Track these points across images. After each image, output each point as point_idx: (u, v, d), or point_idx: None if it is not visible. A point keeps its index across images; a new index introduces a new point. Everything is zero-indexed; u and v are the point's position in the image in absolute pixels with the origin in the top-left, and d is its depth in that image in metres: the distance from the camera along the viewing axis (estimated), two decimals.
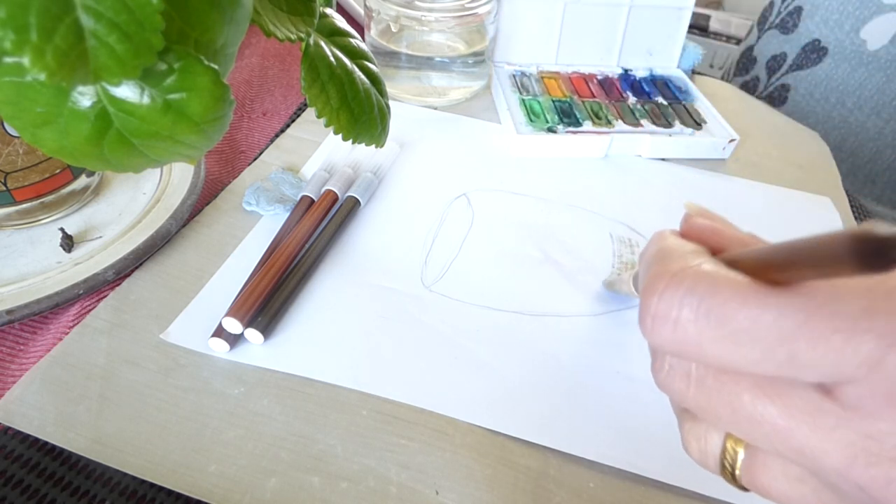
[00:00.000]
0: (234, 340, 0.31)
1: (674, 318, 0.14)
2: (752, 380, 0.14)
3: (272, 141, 0.48)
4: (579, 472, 0.28)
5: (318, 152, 0.46)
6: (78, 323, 0.32)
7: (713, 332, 0.13)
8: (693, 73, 0.62)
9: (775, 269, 0.13)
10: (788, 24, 0.79)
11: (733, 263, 0.14)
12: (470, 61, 0.53)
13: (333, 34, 0.30)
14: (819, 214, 0.47)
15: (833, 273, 0.12)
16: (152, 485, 0.26)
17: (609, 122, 0.51)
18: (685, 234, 0.18)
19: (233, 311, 0.31)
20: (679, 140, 0.50)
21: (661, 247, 0.16)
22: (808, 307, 0.13)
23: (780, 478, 0.15)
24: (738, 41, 1.29)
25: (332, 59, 0.28)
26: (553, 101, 0.53)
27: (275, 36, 0.24)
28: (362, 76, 0.30)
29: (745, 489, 0.16)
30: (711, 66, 1.28)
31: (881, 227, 0.10)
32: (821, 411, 0.13)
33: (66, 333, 0.32)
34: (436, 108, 0.53)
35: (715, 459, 0.16)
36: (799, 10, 0.78)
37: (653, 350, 0.16)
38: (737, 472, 0.16)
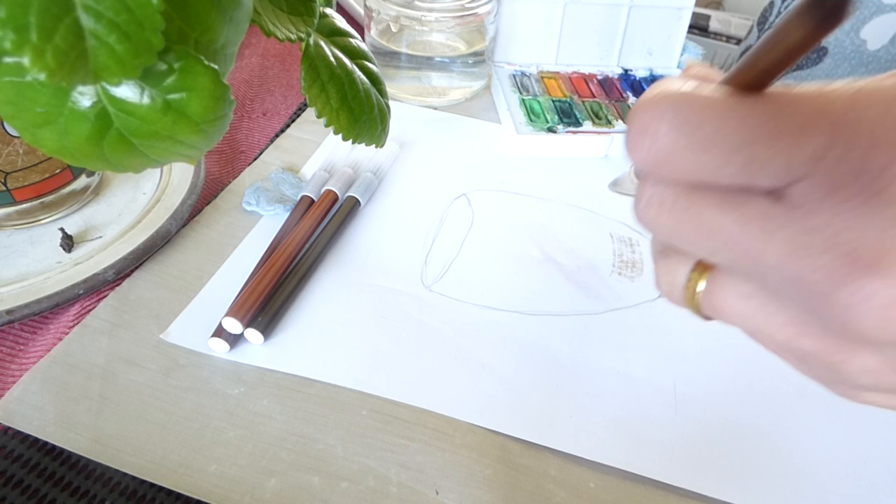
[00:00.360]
0: (234, 340, 0.31)
1: (653, 131, 0.15)
2: (716, 195, 0.15)
3: (272, 141, 0.48)
4: (579, 472, 0.28)
5: (318, 152, 0.46)
6: (78, 323, 0.32)
7: (685, 140, 0.14)
8: None
9: (753, 73, 0.14)
10: None
11: (725, 83, 0.15)
12: (470, 61, 0.53)
13: (333, 34, 0.30)
14: None
15: (793, 48, 0.13)
16: (152, 485, 0.26)
17: (609, 122, 0.51)
18: None
19: (233, 311, 0.31)
20: None
21: (656, 84, 0.17)
22: (768, 112, 0.13)
23: (732, 297, 0.16)
24: (738, 41, 1.29)
25: (332, 59, 0.28)
26: (553, 101, 0.53)
27: (275, 36, 0.24)
28: (362, 76, 0.30)
29: (705, 318, 0.18)
30: (711, 66, 1.28)
31: None
32: (769, 216, 0.14)
33: (66, 333, 0.32)
34: (436, 108, 0.53)
35: (680, 289, 0.18)
36: None
37: (639, 178, 0.18)
38: (697, 297, 0.17)
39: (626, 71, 0.59)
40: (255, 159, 0.45)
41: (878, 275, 0.13)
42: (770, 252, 0.14)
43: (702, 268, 0.17)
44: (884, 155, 0.13)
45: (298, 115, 0.51)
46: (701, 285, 0.17)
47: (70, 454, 0.27)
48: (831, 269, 0.13)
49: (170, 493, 0.26)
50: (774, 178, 0.14)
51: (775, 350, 0.17)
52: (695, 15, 0.67)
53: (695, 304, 0.18)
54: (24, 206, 0.36)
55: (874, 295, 0.13)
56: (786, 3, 0.80)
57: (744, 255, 0.15)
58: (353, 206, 0.40)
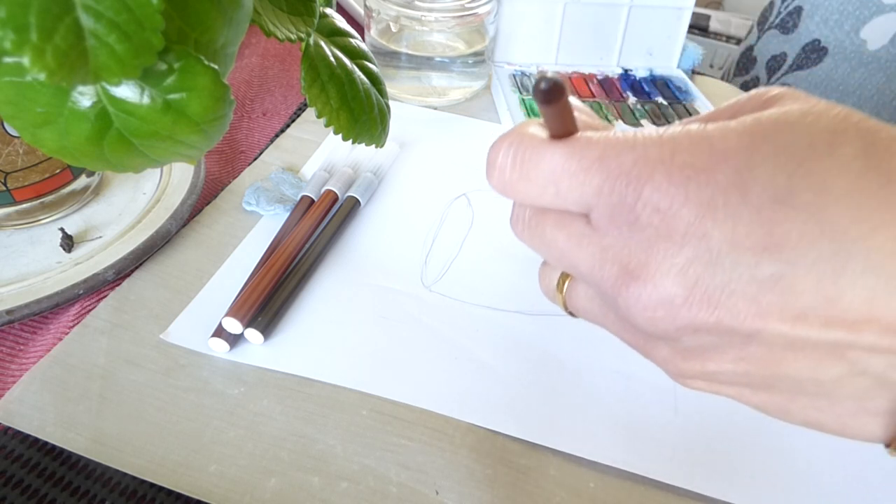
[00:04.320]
0: (234, 340, 0.31)
1: (499, 165, 0.18)
2: (553, 216, 0.19)
3: (272, 141, 0.48)
4: (579, 472, 0.28)
5: (318, 152, 0.46)
6: (78, 323, 0.32)
7: (517, 174, 0.18)
8: (693, 73, 0.62)
9: (555, 128, 0.18)
10: (788, 24, 0.79)
11: (549, 132, 0.19)
12: (470, 61, 0.53)
13: (333, 34, 0.30)
14: None
15: (548, 114, 0.17)
16: (152, 485, 0.26)
17: (609, 122, 0.51)
18: None
19: (233, 311, 0.31)
20: None
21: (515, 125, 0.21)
22: (568, 153, 0.17)
23: (582, 298, 0.21)
24: (738, 41, 1.29)
25: (332, 59, 0.28)
26: None
27: (275, 36, 0.24)
28: (362, 76, 0.30)
29: (571, 314, 0.22)
30: (711, 66, 1.28)
31: (549, 73, 0.16)
32: (582, 234, 0.18)
33: (66, 333, 0.32)
34: (436, 108, 0.53)
35: (553, 290, 0.22)
36: (799, 10, 0.78)
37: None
38: (564, 297, 0.21)
39: (626, 71, 0.59)
40: (255, 159, 0.45)
41: (639, 284, 0.17)
42: (582, 263, 0.18)
43: (566, 274, 0.21)
44: (634, 192, 0.16)
45: (298, 115, 0.51)
46: (566, 286, 0.21)
47: (70, 454, 0.27)
48: (615, 279, 0.17)
49: (170, 493, 0.26)
50: (577, 206, 0.18)
51: (622, 342, 0.20)
52: (695, 15, 0.67)
53: (563, 303, 0.22)
54: (24, 206, 0.36)
55: (639, 298, 0.17)
56: (786, 4, 0.80)
57: (570, 264, 0.19)
58: (353, 206, 0.40)
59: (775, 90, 0.18)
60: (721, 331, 0.16)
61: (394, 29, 0.51)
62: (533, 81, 0.55)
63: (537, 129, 0.19)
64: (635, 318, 0.17)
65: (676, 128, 0.17)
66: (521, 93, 0.54)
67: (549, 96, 0.16)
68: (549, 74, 0.16)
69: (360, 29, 0.52)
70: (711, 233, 0.16)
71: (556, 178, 0.17)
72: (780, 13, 0.81)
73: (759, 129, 0.16)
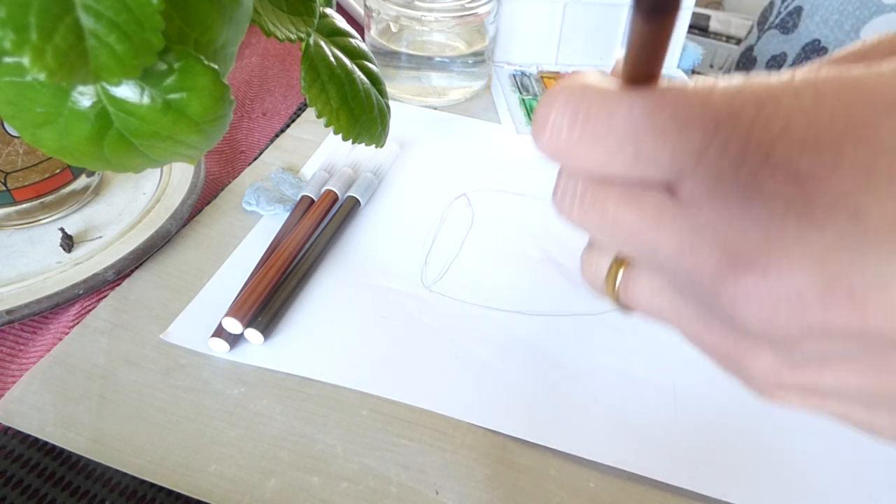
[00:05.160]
0: (234, 340, 0.31)
1: (551, 123, 0.15)
2: (619, 188, 0.15)
3: (272, 141, 0.48)
4: (579, 472, 0.28)
5: (318, 152, 0.46)
6: (78, 323, 0.32)
7: (579, 132, 0.14)
8: (693, 73, 0.62)
9: (634, 70, 0.14)
10: (788, 24, 0.79)
11: (621, 79, 0.15)
12: (470, 61, 0.53)
13: (333, 34, 0.30)
14: None
15: (646, 41, 0.13)
16: (152, 485, 0.26)
17: None
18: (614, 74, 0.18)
19: (233, 311, 0.31)
20: None
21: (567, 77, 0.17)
22: (655, 104, 0.13)
23: (645, 290, 0.17)
24: (738, 41, 1.29)
25: (332, 59, 0.28)
26: None
27: (275, 36, 0.24)
28: (362, 76, 0.30)
29: (625, 310, 0.18)
30: (711, 66, 1.28)
31: None
32: (663, 210, 0.14)
33: (66, 333, 0.32)
34: (436, 108, 0.53)
35: (601, 280, 0.18)
36: (799, 10, 0.78)
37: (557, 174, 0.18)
38: (617, 287, 0.18)
39: None
40: (255, 159, 0.45)
41: (756, 273, 0.13)
42: (663, 246, 0.14)
43: (621, 260, 0.18)
44: (759, 151, 0.13)
45: (298, 115, 0.51)
46: (620, 274, 0.18)
47: (70, 454, 0.27)
48: (716, 267, 0.13)
49: (170, 493, 0.26)
50: (664, 173, 0.14)
51: (694, 346, 0.17)
52: (695, 15, 0.67)
53: (615, 296, 0.18)
54: (24, 206, 0.36)
55: (755, 292, 0.13)
56: (786, 4, 0.80)
57: (643, 249, 0.15)
58: (353, 206, 0.40)
59: None
60: (863, 337, 0.13)
61: (394, 29, 0.51)
62: (533, 81, 0.55)
63: (601, 78, 0.15)
64: (745, 316, 0.13)
65: (811, 71, 0.13)
66: (521, 93, 0.54)
67: (659, 5, 0.12)
68: None
69: (360, 29, 0.52)
70: (868, 209, 0.12)
71: (637, 136, 0.14)
72: (780, 13, 0.81)
73: None
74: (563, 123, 0.15)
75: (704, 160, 0.13)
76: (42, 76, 0.14)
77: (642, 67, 0.14)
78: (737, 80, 0.13)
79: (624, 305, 0.18)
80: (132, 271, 0.35)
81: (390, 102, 0.33)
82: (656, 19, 0.12)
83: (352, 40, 0.31)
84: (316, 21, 0.27)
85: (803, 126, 0.12)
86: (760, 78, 0.13)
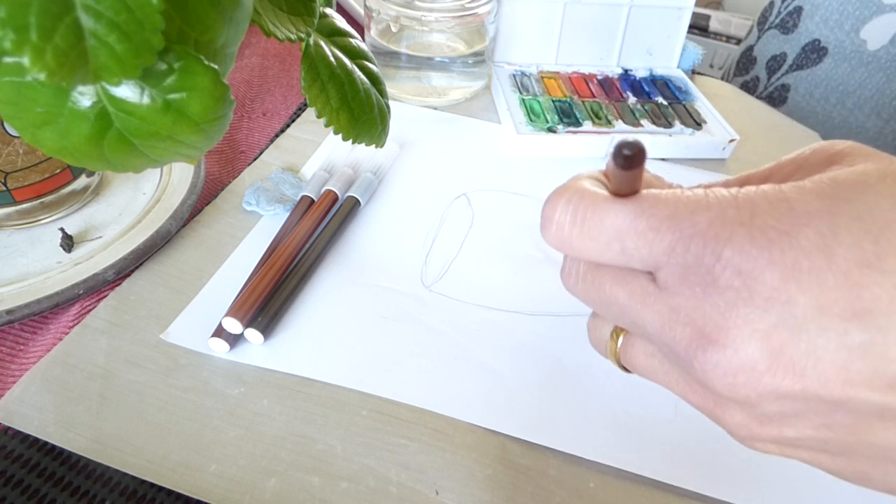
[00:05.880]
0: (234, 340, 0.31)
1: (556, 220, 0.18)
2: (612, 272, 0.19)
3: (272, 141, 0.48)
4: (579, 472, 0.28)
5: (318, 152, 0.46)
6: (78, 323, 0.32)
7: (577, 231, 0.18)
8: (693, 73, 0.62)
9: (621, 186, 0.18)
10: (788, 24, 0.79)
11: (610, 189, 0.19)
12: (470, 61, 0.53)
13: (333, 34, 0.30)
14: None
15: (623, 176, 0.17)
16: (152, 485, 0.26)
17: (609, 122, 0.51)
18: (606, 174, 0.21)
19: (233, 311, 0.31)
20: (679, 140, 0.50)
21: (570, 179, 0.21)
22: (635, 212, 0.17)
23: (641, 355, 0.20)
24: (738, 41, 1.29)
25: (332, 59, 0.28)
26: (553, 101, 0.53)
27: (275, 36, 0.24)
28: (362, 76, 0.30)
29: (625, 369, 0.21)
30: (711, 66, 1.28)
31: (629, 137, 0.16)
32: (647, 292, 0.18)
33: (66, 333, 0.32)
34: (436, 108, 0.53)
35: (605, 344, 0.21)
36: (799, 10, 0.78)
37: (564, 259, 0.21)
38: (618, 352, 0.21)
39: (626, 71, 0.59)
40: (255, 159, 0.45)
41: (718, 348, 0.16)
42: (648, 322, 0.18)
43: (620, 328, 0.21)
44: (712, 253, 0.16)
45: (298, 115, 0.51)
46: (620, 340, 0.21)
47: (70, 454, 0.27)
48: (688, 341, 0.16)
49: (170, 493, 0.26)
50: (644, 264, 0.17)
51: (684, 401, 0.19)
52: (695, 15, 0.67)
53: (616, 358, 0.21)
54: (24, 206, 0.36)
55: (719, 363, 0.16)
56: (786, 4, 0.80)
57: (632, 323, 0.18)
58: (353, 206, 0.40)
59: (840, 145, 0.18)
60: (806, 398, 0.16)
61: (394, 29, 0.51)
62: (533, 81, 0.55)
63: (594, 184, 0.19)
64: (713, 383, 0.16)
65: (750, 189, 0.17)
66: (520, 93, 0.54)
67: (633, 162, 0.16)
68: (631, 139, 0.16)
69: (360, 29, 0.52)
70: (797, 298, 0.15)
71: (621, 236, 0.17)
72: (780, 13, 0.81)
73: (839, 192, 0.16)
74: (566, 221, 0.18)
75: (674, 256, 0.16)
76: (42, 76, 0.14)
77: (624, 189, 0.18)
78: (698, 190, 0.17)
79: (624, 365, 0.21)
80: (132, 271, 0.35)
81: (390, 102, 0.33)
82: (630, 170, 0.17)
83: (352, 40, 0.31)
84: (316, 21, 0.27)
85: (742, 234, 0.16)
86: (714, 190, 0.17)
